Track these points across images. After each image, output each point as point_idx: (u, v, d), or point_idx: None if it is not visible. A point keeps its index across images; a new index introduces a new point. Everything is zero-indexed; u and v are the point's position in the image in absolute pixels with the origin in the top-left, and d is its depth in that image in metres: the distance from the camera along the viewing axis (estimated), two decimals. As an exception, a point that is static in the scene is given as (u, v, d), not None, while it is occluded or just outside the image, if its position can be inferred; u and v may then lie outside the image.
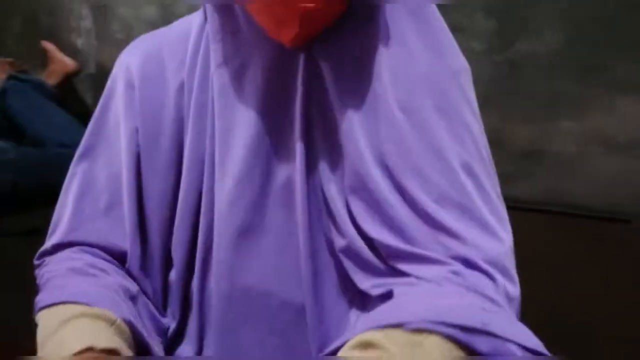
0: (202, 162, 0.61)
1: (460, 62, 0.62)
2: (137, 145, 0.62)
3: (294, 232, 0.58)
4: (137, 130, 0.62)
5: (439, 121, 0.56)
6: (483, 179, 0.58)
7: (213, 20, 0.58)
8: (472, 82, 0.62)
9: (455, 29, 1.51)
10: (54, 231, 0.65)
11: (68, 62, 1.82)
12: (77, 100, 1.90)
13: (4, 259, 1.17)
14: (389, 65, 0.56)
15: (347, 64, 0.56)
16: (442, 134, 0.56)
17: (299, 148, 0.57)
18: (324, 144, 0.58)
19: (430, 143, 0.55)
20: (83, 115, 1.90)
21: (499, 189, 0.61)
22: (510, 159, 1.56)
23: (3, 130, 1.70)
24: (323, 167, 0.58)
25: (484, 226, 0.55)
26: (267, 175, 0.58)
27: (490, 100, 1.52)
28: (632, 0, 1.36)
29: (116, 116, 0.64)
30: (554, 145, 1.52)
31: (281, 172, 0.58)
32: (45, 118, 1.69)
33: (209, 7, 0.58)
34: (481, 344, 0.44)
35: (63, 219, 0.64)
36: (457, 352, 0.44)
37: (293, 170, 0.57)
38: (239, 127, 0.58)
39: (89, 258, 0.61)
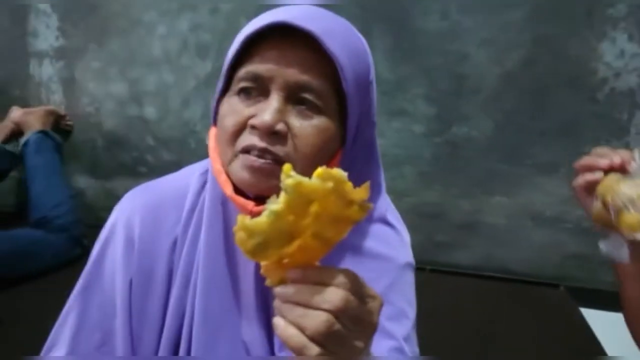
0: (184, 311, 0.64)
1: (407, 258, 0.69)
2: (131, 294, 0.65)
3: None
4: (131, 282, 0.65)
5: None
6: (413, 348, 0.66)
7: (213, 188, 0.63)
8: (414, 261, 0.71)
9: (399, 113, 1.61)
10: (49, 351, 0.67)
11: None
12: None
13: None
14: (345, 254, 0.63)
15: None
16: (385, 317, 0.61)
17: (257, 306, 0.62)
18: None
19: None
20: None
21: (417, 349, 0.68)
22: (450, 229, 1.63)
23: None
24: None
25: None
26: (237, 328, 0.62)
27: (431, 176, 1.61)
28: (549, 93, 1.48)
29: (112, 264, 0.67)
30: (489, 217, 1.60)
31: (246, 329, 0.62)
32: (46, 183, 1.65)
33: (210, 177, 0.63)
34: None
35: (60, 349, 0.66)
36: None
37: (254, 326, 0.62)
38: (218, 281, 0.62)
39: None
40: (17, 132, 1.81)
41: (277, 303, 0.44)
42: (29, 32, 1.82)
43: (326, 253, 0.46)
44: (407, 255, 0.70)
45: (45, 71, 1.84)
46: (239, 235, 0.43)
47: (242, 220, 0.42)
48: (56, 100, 1.85)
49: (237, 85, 0.59)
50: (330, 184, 0.42)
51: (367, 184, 0.45)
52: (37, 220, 1.61)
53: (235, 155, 0.58)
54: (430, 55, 1.53)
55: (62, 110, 1.84)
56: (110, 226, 0.69)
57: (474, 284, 1.58)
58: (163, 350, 0.64)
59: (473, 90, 1.53)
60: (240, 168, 0.57)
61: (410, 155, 1.61)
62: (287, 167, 0.42)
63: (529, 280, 1.59)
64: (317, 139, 0.57)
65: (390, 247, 0.68)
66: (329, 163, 0.61)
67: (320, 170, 0.43)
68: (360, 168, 0.67)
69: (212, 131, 0.64)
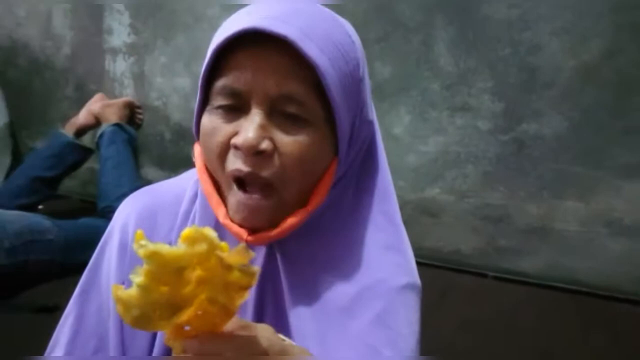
0: None
1: (408, 279, 0.60)
2: None
3: None
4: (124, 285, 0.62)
5: (376, 331, 0.55)
6: None
7: (204, 206, 0.59)
8: (419, 298, 0.61)
9: (462, 109, 1.46)
10: (51, 352, 0.65)
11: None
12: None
13: (13, 337, 1.14)
14: (339, 271, 0.56)
15: (301, 265, 0.57)
16: (382, 342, 0.55)
17: (251, 319, 0.57)
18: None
19: (371, 348, 0.54)
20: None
21: None
22: (515, 234, 1.45)
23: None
24: None
25: None
26: None
27: (496, 177, 1.44)
28: (633, 87, 1.26)
29: (108, 267, 0.64)
30: (559, 223, 1.40)
31: None
32: (115, 174, 1.67)
33: (200, 192, 0.59)
34: None
35: (58, 353, 0.63)
36: None
37: None
38: None
39: None
40: (95, 125, 1.84)
41: None
42: (104, 29, 1.83)
43: (229, 320, 0.40)
44: (408, 274, 0.60)
45: (119, 67, 1.85)
46: (117, 308, 0.37)
47: (115, 292, 0.37)
48: (128, 95, 1.85)
49: (215, 100, 0.52)
50: (202, 246, 0.36)
51: (242, 246, 0.38)
52: (102, 209, 1.62)
53: (230, 185, 0.53)
54: (498, 45, 1.36)
55: (137, 102, 1.85)
56: (108, 230, 0.65)
57: (539, 294, 1.40)
58: (157, 350, 0.60)
59: (545, 84, 1.34)
60: (235, 205, 0.53)
61: (474, 154, 1.45)
62: (138, 234, 0.36)
63: (603, 294, 1.38)
64: (306, 155, 0.51)
65: (389, 266, 0.59)
66: (323, 175, 0.54)
67: (187, 231, 0.37)
68: (360, 172, 0.60)
69: (197, 148, 0.57)
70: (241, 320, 0.42)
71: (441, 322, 1.22)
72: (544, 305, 1.35)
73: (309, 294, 0.56)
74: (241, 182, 0.52)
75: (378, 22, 1.43)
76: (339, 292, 0.56)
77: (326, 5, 0.56)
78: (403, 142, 1.50)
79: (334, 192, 0.57)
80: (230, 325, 0.41)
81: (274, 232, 0.52)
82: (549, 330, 1.25)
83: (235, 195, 0.52)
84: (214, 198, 0.55)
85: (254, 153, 0.49)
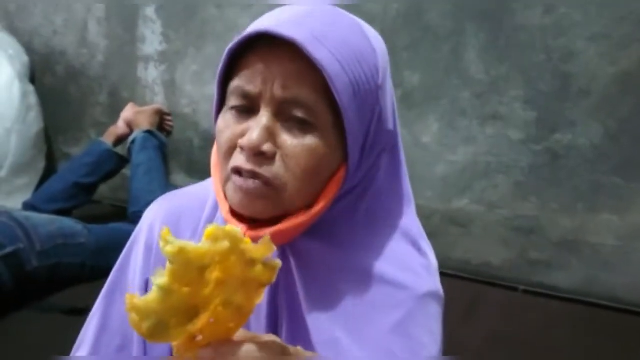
0: None
1: (430, 287, 0.58)
2: None
3: None
4: (147, 283, 0.63)
5: (396, 338, 0.53)
6: None
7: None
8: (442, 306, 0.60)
9: (493, 117, 1.42)
10: (77, 350, 0.66)
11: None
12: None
13: (43, 338, 1.15)
14: (356, 277, 0.55)
15: (314, 266, 0.56)
16: (402, 351, 0.53)
17: (266, 329, 0.57)
18: (288, 332, 0.56)
19: (390, 354, 0.53)
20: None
21: None
22: (547, 247, 1.40)
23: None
24: None
25: None
26: None
27: (528, 188, 1.40)
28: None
29: (135, 268, 0.65)
30: (593, 236, 1.35)
31: None
32: (146, 180, 1.68)
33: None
34: None
35: (84, 350, 0.65)
36: None
37: None
38: None
39: None
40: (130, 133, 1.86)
41: None
42: (137, 38, 1.86)
43: (244, 322, 0.39)
44: (430, 283, 0.58)
45: (150, 74, 1.87)
46: (131, 318, 0.35)
47: (131, 300, 0.35)
48: (158, 102, 1.87)
49: (230, 100, 0.54)
50: (225, 244, 0.36)
51: (267, 239, 0.38)
52: (132, 214, 1.63)
53: (229, 175, 0.53)
54: (530, 52, 1.32)
55: (167, 109, 1.87)
56: (136, 232, 0.67)
57: (573, 310, 1.34)
58: None
59: (581, 92, 1.29)
60: (232, 190, 0.53)
61: (505, 164, 1.41)
62: (164, 232, 0.36)
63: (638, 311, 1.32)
64: (309, 159, 0.51)
65: (410, 273, 0.57)
66: (330, 180, 0.54)
67: (210, 229, 0.36)
68: (385, 178, 0.59)
69: (215, 147, 0.59)
70: (249, 332, 0.42)
71: (469, 336, 1.19)
72: (577, 322, 1.29)
73: (325, 300, 0.55)
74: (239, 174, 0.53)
75: (407, 30, 1.41)
76: (356, 300, 0.55)
77: (348, 7, 0.55)
78: (431, 151, 1.47)
79: (348, 199, 0.57)
80: (239, 338, 0.40)
81: (274, 228, 0.52)
82: (582, 347, 1.19)
83: (233, 182, 0.52)
84: (221, 194, 0.55)
85: (255, 154, 0.50)
